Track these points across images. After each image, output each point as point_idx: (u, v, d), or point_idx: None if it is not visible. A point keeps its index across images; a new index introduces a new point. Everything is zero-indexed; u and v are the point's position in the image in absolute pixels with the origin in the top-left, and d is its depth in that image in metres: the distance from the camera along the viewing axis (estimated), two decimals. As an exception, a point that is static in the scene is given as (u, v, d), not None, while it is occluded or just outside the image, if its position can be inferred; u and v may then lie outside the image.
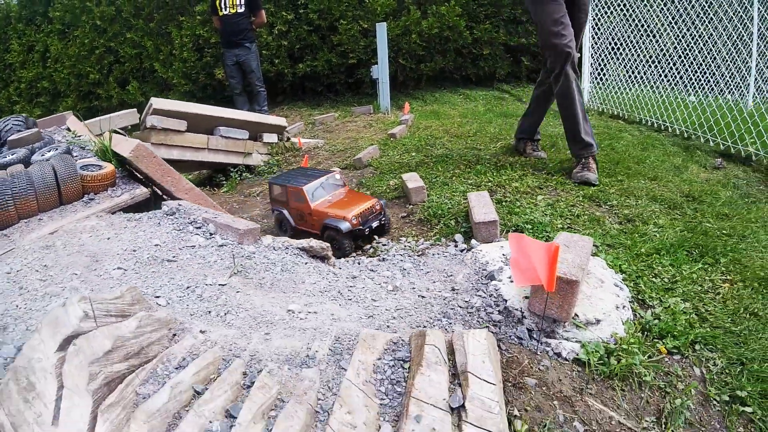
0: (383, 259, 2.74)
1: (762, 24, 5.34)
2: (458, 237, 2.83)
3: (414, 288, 2.16)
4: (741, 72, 5.62)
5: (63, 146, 3.56)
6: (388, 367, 1.38)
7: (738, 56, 5.52)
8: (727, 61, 5.65)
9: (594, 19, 6.55)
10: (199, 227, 2.53)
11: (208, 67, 8.91)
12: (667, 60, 6.13)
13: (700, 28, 5.55)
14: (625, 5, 6.20)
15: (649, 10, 6.12)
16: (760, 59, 5.51)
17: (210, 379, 1.31)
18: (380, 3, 7.81)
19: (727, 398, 1.66)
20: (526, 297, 1.83)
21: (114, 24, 9.61)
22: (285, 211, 3.27)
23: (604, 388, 1.63)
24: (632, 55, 6.33)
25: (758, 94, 5.66)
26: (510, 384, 1.51)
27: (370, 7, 7.89)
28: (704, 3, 5.35)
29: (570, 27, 3.43)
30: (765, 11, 5.30)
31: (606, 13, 6.49)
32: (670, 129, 5.16)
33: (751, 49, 5.42)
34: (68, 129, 4.82)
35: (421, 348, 1.37)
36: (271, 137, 5.73)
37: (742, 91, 5.70)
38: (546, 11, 3.43)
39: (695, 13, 5.47)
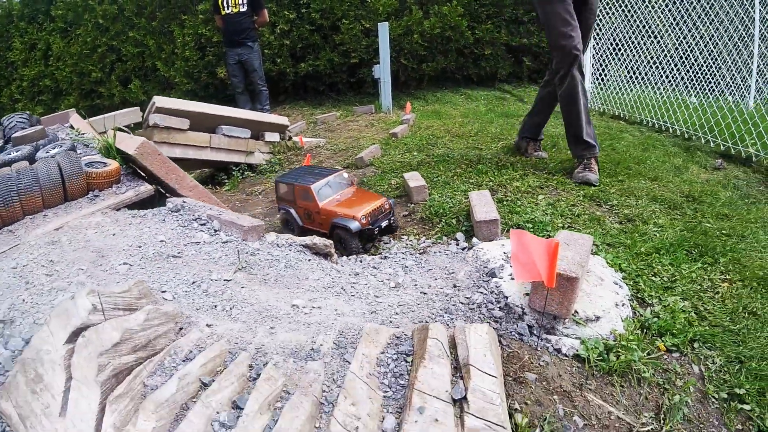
0: (385, 257, 2.76)
1: (763, 25, 5.37)
2: (459, 235, 2.85)
3: (416, 285, 2.19)
4: (742, 73, 5.64)
5: (68, 143, 3.58)
6: (391, 361, 1.40)
7: (739, 58, 5.55)
8: (728, 62, 5.67)
9: (596, 20, 6.56)
10: (204, 224, 2.55)
11: (210, 66, 8.94)
12: (668, 61, 6.15)
13: (701, 30, 5.58)
14: (626, 6, 6.22)
15: (650, 11, 6.14)
16: (761, 61, 5.54)
17: (217, 371, 1.34)
18: (382, 3, 7.84)
19: (726, 396, 1.67)
20: (527, 294, 1.85)
21: (116, 22, 9.64)
22: (292, 210, 3.23)
23: (603, 384, 1.65)
24: (633, 55, 6.35)
25: (759, 95, 5.69)
26: (511, 378, 1.53)
27: (372, 7, 7.91)
28: (705, 4, 5.37)
29: (578, 29, 3.42)
30: (766, 12, 5.31)
31: (608, 13, 6.51)
32: (670, 130, 5.18)
33: (752, 50, 5.45)
34: (71, 127, 4.85)
35: (423, 341, 1.40)
36: (273, 136, 5.76)
37: (743, 92, 5.73)
38: (554, 12, 3.41)
39: (696, 15, 5.49)
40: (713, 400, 1.68)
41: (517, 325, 1.77)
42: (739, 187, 3.62)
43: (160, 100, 4.84)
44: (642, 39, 6.25)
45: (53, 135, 4.11)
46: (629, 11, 6.21)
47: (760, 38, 5.39)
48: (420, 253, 2.72)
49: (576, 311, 1.81)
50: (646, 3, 6.15)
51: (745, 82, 5.67)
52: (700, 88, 5.89)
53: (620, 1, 6.25)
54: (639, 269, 2.31)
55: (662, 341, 1.86)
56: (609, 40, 6.52)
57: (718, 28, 5.46)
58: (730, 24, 5.38)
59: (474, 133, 5.27)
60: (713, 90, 5.85)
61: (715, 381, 1.73)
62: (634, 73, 6.36)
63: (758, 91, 5.70)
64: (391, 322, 1.77)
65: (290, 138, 6.00)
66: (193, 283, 1.93)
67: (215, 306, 1.77)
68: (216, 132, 5.26)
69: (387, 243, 3.01)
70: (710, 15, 5.39)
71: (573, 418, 1.48)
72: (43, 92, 10.88)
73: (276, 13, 8.20)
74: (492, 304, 1.86)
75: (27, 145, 3.79)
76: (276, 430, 1.12)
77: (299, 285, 2.08)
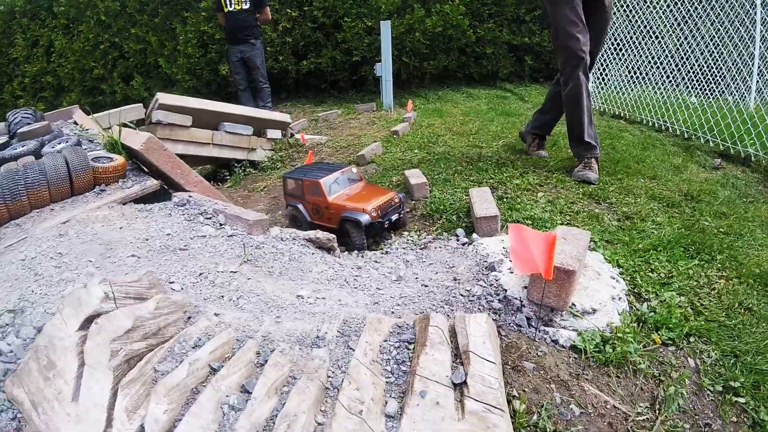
0: (387, 252, 2.81)
1: (764, 27, 5.40)
2: (460, 231, 2.89)
3: (417, 278, 2.23)
4: (742, 74, 5.68)
5: (73, 139, 3.62)
6: (393, 348, 1.45)
7: (739, 59, 5.58)
8: (728, 63, 5.71)
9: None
10: (209, 218, 2.60)
11: (212, 63, 8.97)
12: (669, 61, 6.18)
13: (702, 31, 5.61)
14: (628, 6, 6.25)
15: (652, 12, 6.17)
16: (761, 62, 5.58)
17: (225, 357, 1.38)
18: (384, 1, 7.87)
19: (721, 388, 1.71)
20: (525, 287, 1.90)
21: (118, 19, 9.66)
22: (300, 206, 3.23)
23: (599, 375, 1.70)
24: (634, 55, 6.39)
25: (759, 96, 5.72)
26: (509, 367, 1.58)
27: (375, 5, 7.94)
28: (707, 5, 5.40)
29: (586, 31, 3.43)
30: (767, 14, 5.35)
31: (609, 13, 6.53)
32: (670, 129, 5.22)
33: (753, 51, 5.48)
34: (75, 122, 4.88)
35: (425, 329, 1.44)
36: (275, 133, 5.79)
37: (743, 93, 5.76)
38: (562, 13, 3.43)
39: (698, 15, 5.53)
40: (708, 392, 1.71)
41: (516, 317, 1.82)
42: (738, 186, 3.65)
43: (163, 97, 4.88)
44: (643, 39, 6.28)
45: (58, 131, 4.14)
46: (631, 11, 6.24)
47: (761, 40, 5.43)
48: (421, 249, 2.77)
49: (573, 304, 1.85)
50: (648, 3, 6.19)
51: (746, 82, 5.70)
52: (701, 89, 5.92)
53: (622, 2, 6.29)
54: (636, 265, 2.34)
55: (658, 335, 1.90)
56: (610, 40, 6.55)
57: (719, 29, 5.49)
58: (731, 25, 5.41)
59: (475, 132, 5.31)
60: (714, 91, 5.88)
61: (711, 374, 1.76)
62: (635, 73, 6.40)
63: (758, 92, 5.73)
64: (393, 312, 1.82)
65: (292, 135, 6.04)
66: (200, 274, 1.98)
67: (222, 296, 1.82)
68: (218, 129, 5.29)
69: (388, 239, 3.05)
70: (711, 16, 5.42)
71: (570, 407, 1.53)
72: (45, 89, 10.90)
73: (278, 11, 8.24)
74: (491, 296, 1.90)
75: (32, 140, 3.82)
76: (284, 413, 1.17)
77: (303, 277, 2.13)
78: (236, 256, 2.21)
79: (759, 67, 5.60)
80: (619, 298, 2.02)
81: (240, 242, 2.33)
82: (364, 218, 2.85)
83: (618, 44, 6.49)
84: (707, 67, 5.84)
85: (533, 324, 1.81)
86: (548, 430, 1.42)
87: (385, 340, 1.47)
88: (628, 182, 3.50)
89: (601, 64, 6.79)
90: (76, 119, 4.96)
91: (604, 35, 3.79)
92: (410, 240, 2.95)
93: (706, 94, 5.90)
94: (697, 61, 5.88)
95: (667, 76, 6.18)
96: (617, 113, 6.22)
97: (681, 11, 5.76)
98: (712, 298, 2.15)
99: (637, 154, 4.23)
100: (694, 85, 5.97)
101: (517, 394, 1.48)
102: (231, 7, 6.81)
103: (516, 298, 1.88)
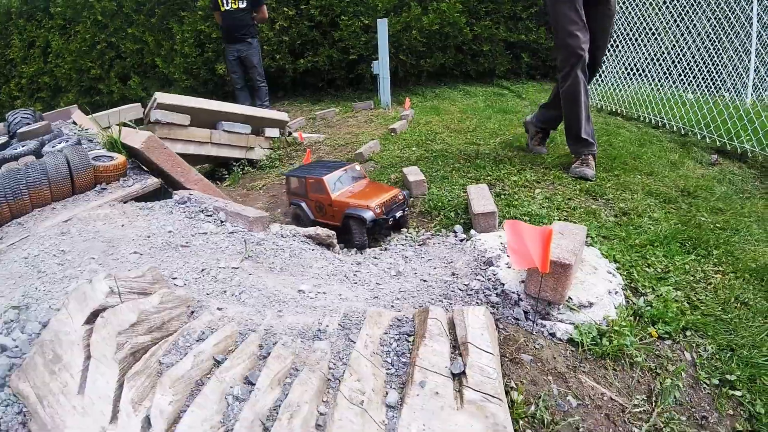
0: (385, 248, 2.84)
1: (760, 23, 5.43)
2: (458, 228, 2.92)
3: (416, 273, 2.25)
4: (738, 70, 5.71)
5: (73, 138, 3.63)
6: (393, 341, 1.48)
7: (736, 55, 5.61)
8: (725, 59, 5.74)
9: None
10: (210, 215, 2.62)
11: (209, 63, 8.97)
12: (666, 58, 6.21)
13: (699, 27, 5.64)
14: (624, 2, 6.28)
15: (648, 8, 6.20)
16: (757, 59, 5.60)
17: (228, 350, 1.41)
18: (381, -1, 7.90)
19: (717, 382, 1.73)
20: (523, 281, 1.92)
21: (115, 19, 9.66)
22: (303, 204, 3.21)
23: (596, 367, 1.72)
24: (631, 52, 6.41)
25: (755, 92, 5.75)
26: (507, 359, 1.60)
27: (371, 4, 7.95)
28: (703, 1, 5.43)
29: (586, 30, 3.44)
30: (764, 12, 5.37)
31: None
32: (667, 126, 5.24)
33: (749, 48, 5.51)
34: (74, 122, 4.90)
35: (424, 321, 1.47)
36: (273, 132, 5.81)
37: (740, 89, 5.79)
38: (562, 11, 3.44)
39: (694, 12, 5.55)
40: (705, 385, 1.73)
41: (514, 310, 1.84)
42: (734, 182, 3.68)
43: (161, 97, 4.89)
44: (640, 35, 6.31)
45: (58, 130, 4.15)
46: (627, 7, 6.26)
47: (757, 36, 5.46)
48: (419, 245, 2.79)
49: (570, 298, 1.87)
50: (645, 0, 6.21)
51: (742, 79, 5.73)
52: (698, 85, 5.95)
53: (618, -1, 6.31)
54: (633, 260, 2.36)
55: (655, 328, 1.92)
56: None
57: (715, 26, 5.52)
58: (727, 22, 5.44)
59: (472, 129, 5.33)
60: (710, 87, 5.91)
61: (707, 367, 1.79)
62: (632, 70, 6.42)
63: (755, 89, 5.76)
64: (392, 306, 1.84)
65: (290, 134, 6.06)
66: (203, 270, 2.00)
67: (225, 291, 1.84)
68: (217, 128, 5.31)
69: (387, 236, 3.08)
70: (708, 13, 5.44)
71: (567, 398, 1.55)
72: (42, 89, 10.91)
73: (275, 10, 8.25)
74: (489, 290, 1.93)
75: (32, 140, 3.83)
76: (287, 403, 1.19)
77: (304, 273, 2.15)
78: (237, 253, 2.23)
79: (755, 64, 5.63)
80: (616, 293, 2.04)
81: (241, 239, 2.35)
82: (368, 215, 2.84)
83: (615, 41, 6.52)
84: (704, 63, 5.86)
85: (531, 317, 1.83)
86: (546, 420, 1.45)
87: (385, 333, 1.50)
88: (625, 178, 3.52)
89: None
90: (75, 119, 4.97)
91: (609, 33, 3.76)
92: (409, 236, 2.97)
93: (703, 90, 5.93)
94: (693, 57, 5.90)
95: (664, 73, 6.20)
96: (614, 110, 6.24)
97: (677, 7, 5.78)
98: (708, 293, 2.17)
99: (633, 151, 4.26)
100: (691, 81, 6.00)
101: (515, 386, 1.51)
102: (228, 6, 6.82)
103: (513, 292, 1.91)
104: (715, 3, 5.34)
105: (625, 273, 2.25)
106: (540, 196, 3.17)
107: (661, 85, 6.09)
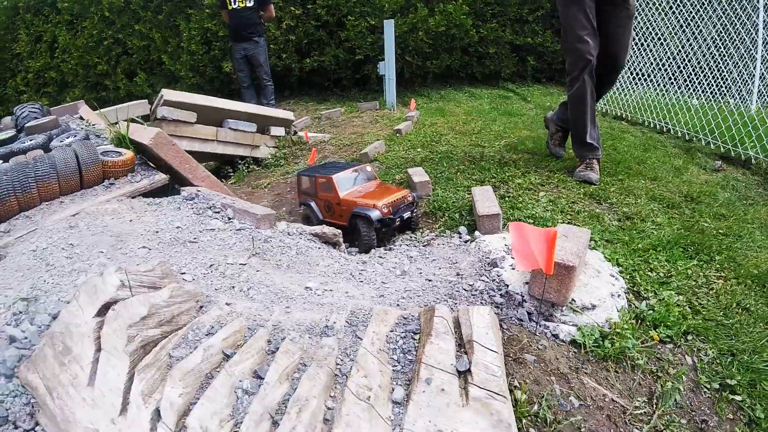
0: (390, 248, 2.86)
1: (766, 31, 5.43)
2: (462, 229, 2.93)
3: (421, 273, 2.28)
4: (743, 77, 5.72)
5: (82, 133, 3.66)
6: (399, 338, 1.50)
7: (741, 62, 5.62)
8: (730, 66, 5.75)
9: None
10: (218, 212, 2.65)
11: (215, 61, 9.01)
12: (671, 63, 6.22)
13: (704, 33, 5.65)
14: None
15: (654, 13, 6.21)
16: (763, 66, 5.61)
17: (237, 344, 1.43)
18: (388, 0, 7.91)
19: (717, 386, 1.74)
20: (527, 283, 1.94)
21: (122, 15, 9.70)
22: (312, 203, 3.23)
23: (598, 369, 1.74)
24: (637, 57, 6.42)
25: (760, 99, 5.76)
26: (511, 359, 1.62)
27: (378, 4, 7.99)
28: (709, 8, 5.44)
29: (595, 35, 3.41)
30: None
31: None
32: (672, 131, 5.25)
33: (755, 55, 5.52)
34: (81, 118, 4.93)
35: (430, 320, 1.49)
36: (278, 131, 5.84)
37: (745, 95, 5.80)
38: (572, 15, 3.42)
39: (700, 18, 5.57)
40: (705, 389, 1.74)
41: (517, 311, 1.86)
42: (738, 188, 3.68)
43: (168, 93, 4.92)
44: (646, 41, 6.32)
45: (66, 125, 4.19)
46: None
47: (763, 43, 5.47)
48: (424, 245, 2.81)
49: (573, 299, 1.89)
50: (650, 5, 6.22)
51: (747, 85, 5.74)
52: (703, 91, 5.96)
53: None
54: (636, 264, 2.38)
55: (656, 332, 1.93)
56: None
57: (721, 32, 5.53)
58: (733, 29, 5.45)
59: (477, 131, 5.35)
60: (715, 93, 5.92)
61: (708, 372, 1.80)
62: (637, 75, 6.44)
63: (760, 96, 5.77)
64: (398, 305, 1.86)
65: (295, 133, 6.08)
66: (211, 266, 2.02)
67: (233, 287, 1.87)
68: (223, 126, 5.34)
69: (392, 236, 3.09)
70: (714, 19, 5.46)
71: (569, 398, 1.57)
72: (48, 84, 10.94)
73: (282, 9, 8.28)
74: (493, 291, 1.95)
75: (40, 134, 3.86)
76: (295, 397, 1.22)
77: (310, 270, 2.18)
78: (245, 249, 2.26)
79: (761, 71, 5.64)
80: (619, 296, 2.06)
81: (248, 236, 2.38)
82: (374, 214, 2.84)
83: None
84: (709, 69, 5.87)
85: (534, 318, 1.85)
86: (548, 419, 1.47)
87: (391, 331, 1.52)
88: (629, 183, 3.53)
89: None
90: (82, 114, 5.00)
91: (630, 33, 3.60)
92: (413, 237, 3.00)
93: (708, 96, 5.94)
94: (699, 63, 5.91)
95: (669, 78, 6.21)
96: (619, 114, 6.26)
97: (684, 13, 5.80)
98: (710, 298, 2.18)
99: (638, 156, 4.27)
100: (696, 87, 6.01)
101: (518, 385, 1.53)
102: (235, 4, 6.85)
103: (517, 293, 1.93)
104: (722, 9, 5.35)
105: (628, 276, 2.27)
106: (544, 199, 3.19)
107: (666, 91, 6.10)
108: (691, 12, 5.66)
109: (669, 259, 2.47)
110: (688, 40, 5.85)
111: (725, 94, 5.88)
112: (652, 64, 6.37)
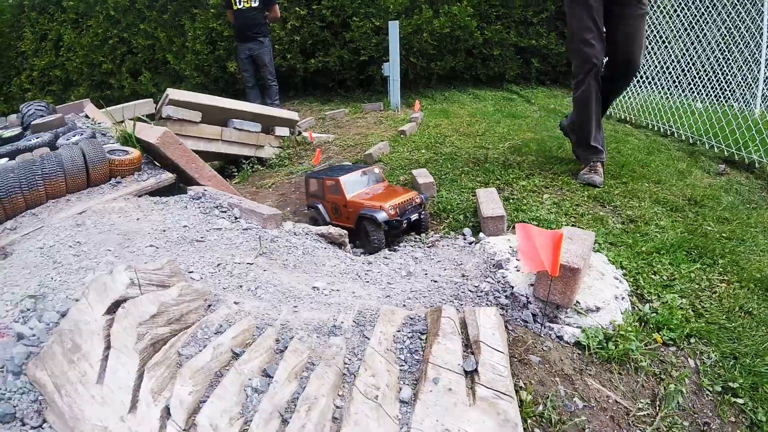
0: (395, 249, 2.87)
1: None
2: (466, 230, 2.95)
3: (426, 274, 2.29)
4: (748, 81, 5.72)
5: (88, 131, 3.68)
6: (406, 338, 1.51)
7: (746, 66, 5.62)
8: (734, 69, 5.75)
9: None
10: (225, 211, 2.66)
11: (220, 60, 9.03)
12: (675, 66, 6.22)
13: (709, 36, 5.65)
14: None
15: (658, 16, 6.22)
16: (767, 70, 5.61)
17: (246, 343, 1.45)
18: (393, 1, 7.92)
19: (720, 389, 1.75)
20: (532, 284, 1.95)
21: (127, 15, 9.72)
22: (320, 206, 3.21)
23: (602, 371, 1.75)
24: (641, 60, 6.41)
25: (764, 103, 5.76)
26: (516, 360, 1.64)
27: (383, 5, 8.00)
28: (714, 11, 5.44)
29: (601, 38, 3.37)
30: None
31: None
32: (675, 134, 5.26)
33: (759, 59, 5.53)
34: (86, 116, 4.95)
35: (437, 320, 1.51)
36: (283, 131, 5.85)
37: (749, 99, 5.80)
38: (578, 18, 3.39)
39: (704, 21, 5.57)
40: (708, 392, 1.75)
41: (522, 313, 1.88)
42: (741, 192, 3.68)
43: (173, 93, 4.94)
44: (650, 44, 6.32)
45: (72, 123, 4.20)
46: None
47: (767, 48, 5.47)
48: (429, 247, 2.82)
49: (577, 302, 1.91)
50: (655, 8, 6.23)
51: (751, 89, 5.74)
52: (707, 95, 5.96)
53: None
54: (639, 267, 2.39)
55: (659, 334, 1.94)
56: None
57: (725, 36, 5.53)
58: (737, 32, 5.45)
59: (481, 133, 5.36)
60: (719, 97, 5.92)
61: (710, 375, 1.81)
62: (641, 78, 6.44)
63: (764, 99, 5.77)
64: (404, 305, 1.88)
65: (300, 133, 6.10)
66: (218, 265, 2.04)
67: (240, 286, 1.88)
68: (227, 125, 5.36)
69: (397, 237, 3.10)
70: (718, 22, 5.46)
71: (573, 399, 1.58)
72: (53, 82, 10.97)
73: (287, 9, 8.30)
74: (498, 292, 1.97)
75: (47, 132, 3.88)
76: (304, 396, 1.23)
77: (317, 270, 2.19)
78: (251, 249, 2.27)
79: (765, 74, 5.64)
80: (622, 298, 2.07)
81: (254, 235, 2.40)
82: (381, 215, 2.82)
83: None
84: (713, 73, 5.87)
85: (539, 320, 1.87)
86: (553, 420, 1.48)
87: (398, 331, 1.54)
88: (633, 186, 3.54)
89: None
90: (87, 113, 5.02)
91: (642, 32, 3.45)
92: (418, 238, 3.01)
93: (712, 100, 5.94)
94: (703, 66, 5.91)
95: (673, 82, 6.22)
96: (623, 117, 6.26)
97: (688, 16, 5.80)
98: (713, 301, 2.19)
99: (642, 159, 4.27)
100: (700, 90, 6.01)
101: (523, 385, 1.54)
102: (240, 4, 6.87)
103: (522, 295, 1.94)
104: (726, 13, 5.35)
105: (632, 279, 2.28)
106: (548, 202, 3.20)
107: (671, 94, 6.10)
108: (695, 15, 5.66)
109: (672, 262, 2.47)
110: (692, 43, 5.85)
111: (729, 98, 5.88)
112: (656, 67, 6.37)
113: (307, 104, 8.71)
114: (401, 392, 1.32)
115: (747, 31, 5.41)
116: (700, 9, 5.57)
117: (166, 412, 1.28)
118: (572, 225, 2.89)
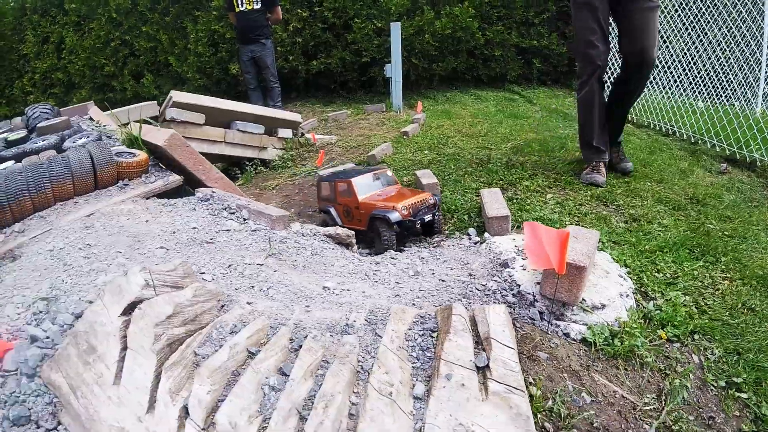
0: (401, 250, 2.90)
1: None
2: (471, 230, 2.97)
3: (434, 273, 2.32)
4: (749, 80, 5.74)
5: (95, 134, 3.70)
6: (418, 336, 1.54)
7: (746, 65, 5.64)
8: (735, 68, 5.77)
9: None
10: (233, 213, 2.69)
11: (222, 62, 9.06)
12: (676, 66, 6.24)
13: (710, 35, 5.67)
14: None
15: (660, 15, 6.23)
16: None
17: (261, 343, 1.47)
18: (394, 2, 7.95)
19: (724, 384, 1.78)
20: (538, 283, 1.98)
21: (129, 17, 9.75)
22: (332, 209, 3.20)
23: (608, 366, 1.78)
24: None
25: (765, 101, 5.77)
26: (524, 356, 1.67)
27: (385, 7, 8.02)
28: (714, 10, 5.46)
29: (606, 40, 3.37)
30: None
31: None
32: (677, 133, 5.28)
33: (759, 58, 5.54)
34: (90, 119, 4.98)
35: (448, 318, 1.53)
36: (285, 132, 5.88)
37: (750, 98, 5.82)
38: (583, 19, 3.39)
39: (705, 20, 5.59)
40: (712, 387, 1.78)
41: (529, 311, 1.91)
42: (743, 190, 3.70)
43: (177, 95, 4.97)
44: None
45: (77, 126, 4.23)
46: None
47: (768, 46, 5.49)
48: (434, 247, 2.85)
49: (583, 299, 1.93)
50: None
51: (752, 88, 5.76)
52: (708, 94, 5.98)
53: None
54: (643, 265, 2.41)
55: (664, 331, 1.97)
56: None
57: (726, 35, 5.55)
58: (738, 32, 5.47)
59: (484, 133, 5.39)
60: (720, 96, 5.94)
61: (714, 370, 1.84)
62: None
63: (765, 98, 5.78)
64: (413, 304, 1.91)
65: (302, 135, 6.13)
66: (229, 266, 2.07)
67: (252, 287, 1.91)
68: (230, 127, 5.38)
69: (405, 238, 3.12)
70: (719, 21, 5.48)
71: (581, 394, 1.61)
72: (55, 85, 11.00)
73: (289, 11, 8.32)
74: (506, 291, 1.99)
75: (52, 135, 3.90)
76: (321, 393, 1.26)
77: (326, 270, 2.22)
78: (261, 250, 2.30)
79: (766, 73, 5.66)
80: (627, 296, 2.09)
81: (263, 236, 2.43)
82: (394, 215, 2.79)
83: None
84: (714, 72, 5.89)
85: (546, 317, 1.90)
86: (562, 414, 1.51)
87: (409, 329, 1.57)
88: (635, 185, 3.56)
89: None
90: (92, 115, 5.05)
91: (655, 26, 3.35)
92: (423, 239, 3.03)
93: (713, 99, 5.95)
94: (704, 65, 5.93)
95: (675, 81, 6.24)
96: (624, 117, 6.27)
97: (689, 15, 5.82)
98: (716, 298, 2.22)
99: (644, 158, 4.29)
100: (701, 89, 6.02)
101: (532, 381, 1.57)
102: (242, 6, 6.89)
103: (529, 293, 1.97)
104: (727, 12, 5.37)
105: (636, 277, 2.30)
106: (552, 201, 3.23)
107: (672, 93, 6.12)
108: (696, 14, 5.68)
109: (675, 260, 2.50)
110: (693, 42, 5.87)
111: (730, 97, 5.89)
112: (657, 66, 6.38)
113: (309, 106, 8.73)
114: (414, 388, 1.35)
115: (748, 31, 5.43)
116: (701, 8, 5.58)
117: (185, 412, 1.31)
118: (576, 224, 2.91)
